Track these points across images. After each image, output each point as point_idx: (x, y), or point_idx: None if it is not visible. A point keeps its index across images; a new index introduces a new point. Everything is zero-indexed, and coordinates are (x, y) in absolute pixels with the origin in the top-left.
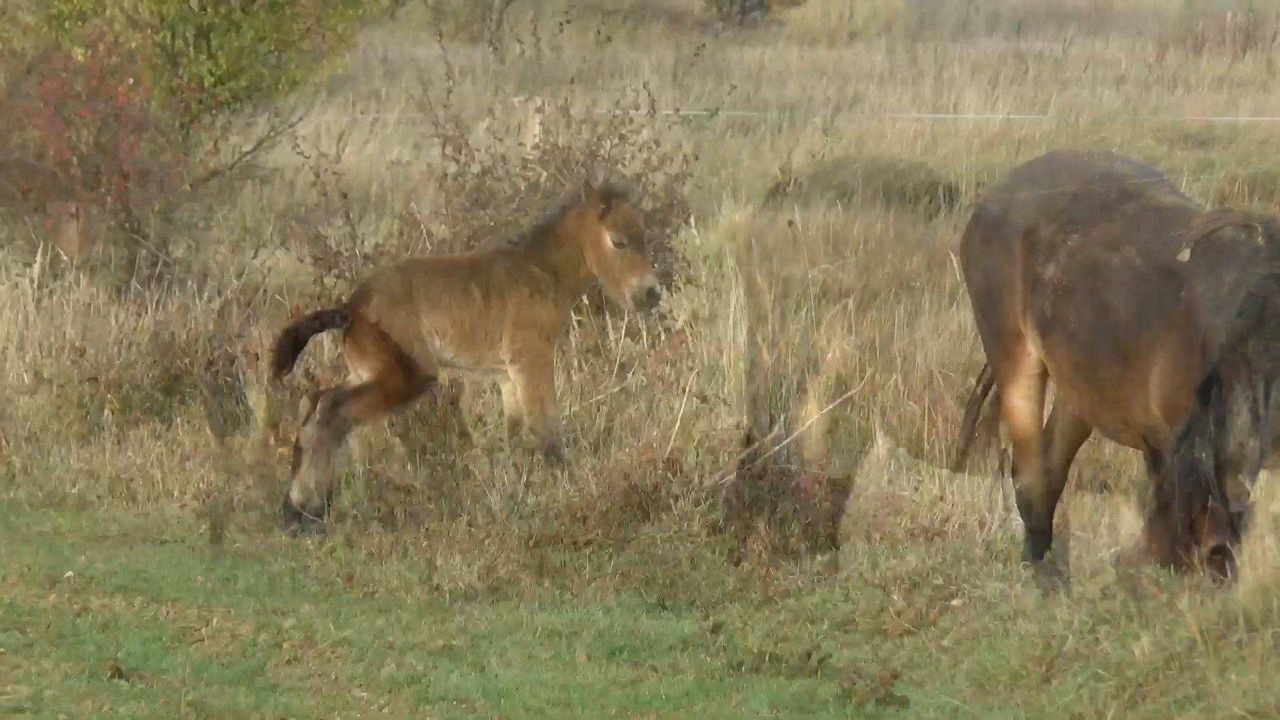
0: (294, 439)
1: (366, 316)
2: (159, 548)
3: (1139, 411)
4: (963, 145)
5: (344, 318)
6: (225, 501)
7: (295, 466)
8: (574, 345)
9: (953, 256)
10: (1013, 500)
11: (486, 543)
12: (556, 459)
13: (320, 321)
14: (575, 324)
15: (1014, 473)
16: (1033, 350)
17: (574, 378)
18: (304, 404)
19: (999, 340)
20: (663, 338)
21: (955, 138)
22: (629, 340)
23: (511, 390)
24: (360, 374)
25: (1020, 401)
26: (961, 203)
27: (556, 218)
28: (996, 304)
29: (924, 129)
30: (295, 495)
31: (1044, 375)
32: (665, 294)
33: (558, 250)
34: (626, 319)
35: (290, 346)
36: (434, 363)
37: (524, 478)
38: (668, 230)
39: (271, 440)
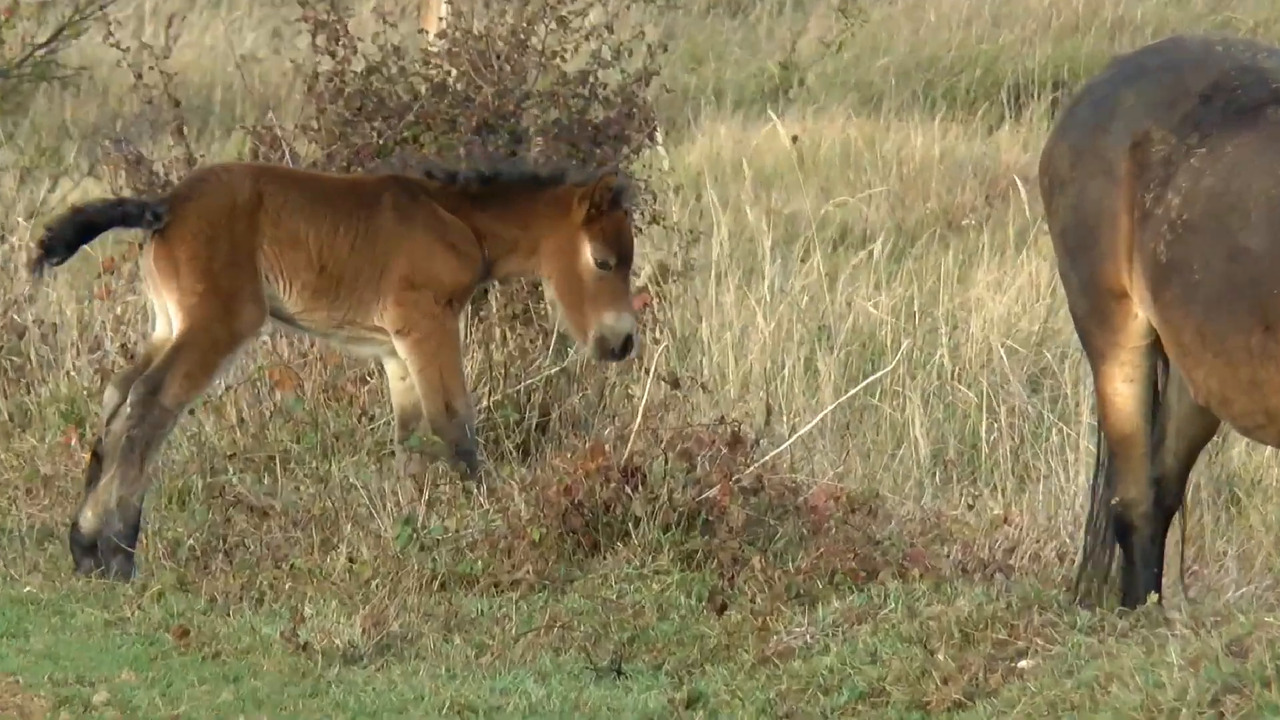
0: (94, 443)
1: (188, 221)
2: None
3: None
4: (1035, 29)
5: (157, 215)
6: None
7: (90, 480)
8: (493, 309)
9: (1020, 184)
10: (1104, 519)
11: (374, 584)
12: (469, 468)
13: (123, 211)
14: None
15: (1109, 482)
16: (1140, 312)
17: (494, 354)
18: (110, 393)
19: (1092, 298)
20: None
21: (1025, 19)
22: None
23: (400, 372)
24: (164, 307)
25: (1121, 385)
26: (1034, 110)
27: (527, 183)
28: (1089, 248)
29: (980, 7)
30: (88, 521)
31: (1155, 348)
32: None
33: (505, 222)
34: None
35: (72, 231)
36: (264, 310)
37: (425, 494)
38: (625, 150)
39: (74, 442)
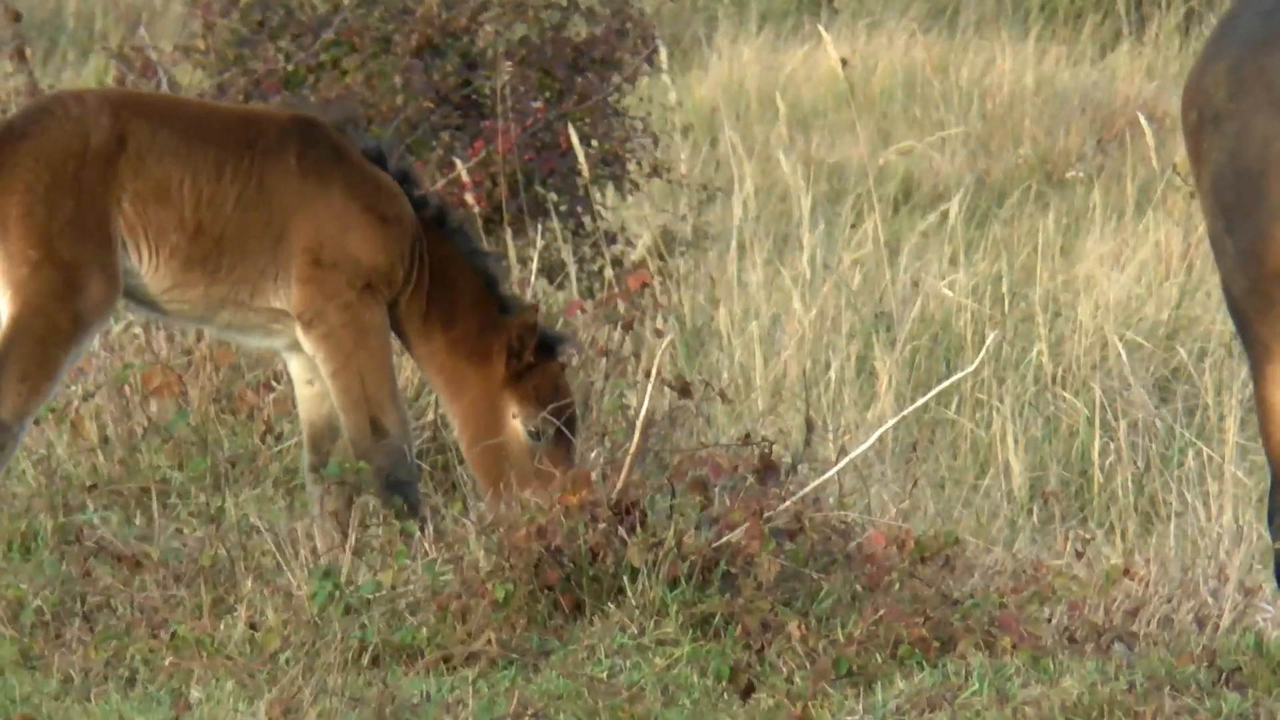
0: None
1: (20, 167)
2: None
3: None
4: None
5: None
6: None
7: None
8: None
9: (1145, 122)
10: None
11: (283, 659)
12: (406, 504)
13: None
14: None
15: (1271, 517)
16: None
17: None
18: None
19: (1254, 274)
20: (608, 275)
21: None
22: (546, 282)
23: (307, 374)
24: None
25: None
26: (1161, 24)
27: (481, 282)
28: (1253, 205)
29: None
30: None
31: None
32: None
33: (431, 318)
34: (540, 238)
35: None
36: (116, 286)
37: (349, 539)
38: (616, 77)
39: None
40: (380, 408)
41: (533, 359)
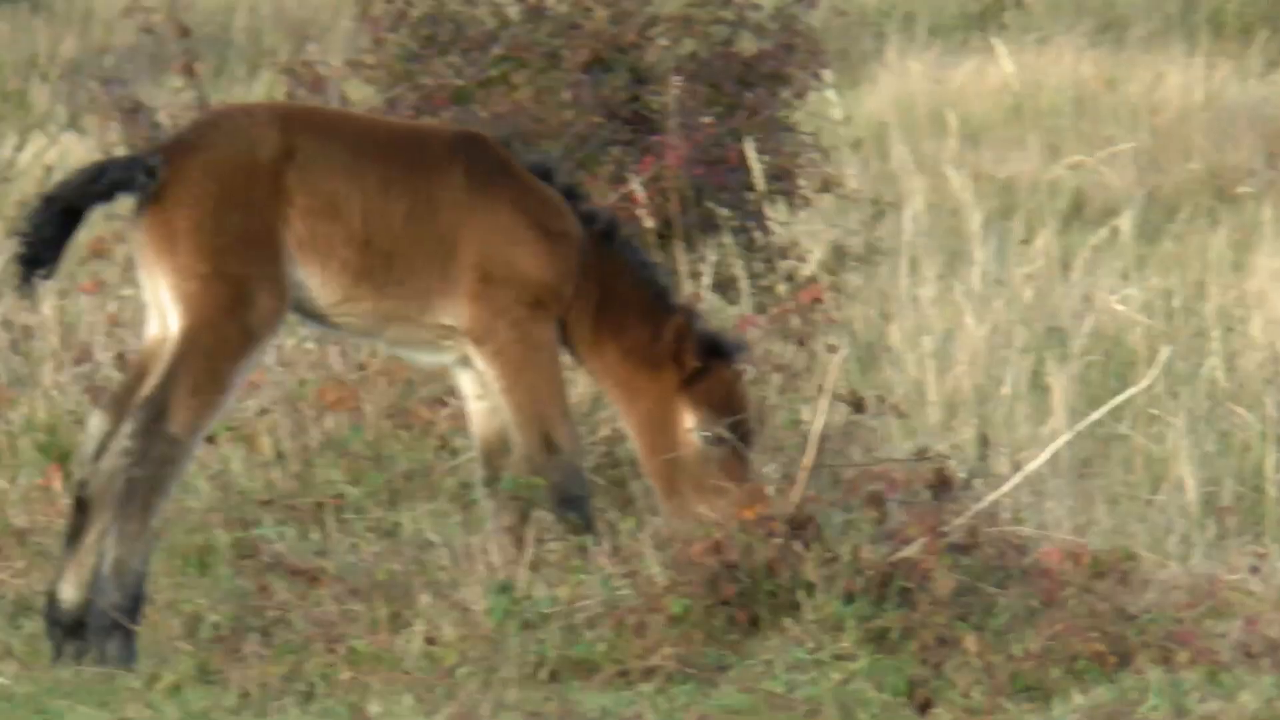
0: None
1: (190, 180)
2: None
3: None
4: None
5: (149, 171)
6: None
7: (73, 537)
8: None
9: None
10: None
11: (460, 673)
12: (580, 519)
13: (108, 179)
14: None
15: None
16: None
17: None
18: (96, 420)
19: None
20: (780, 291)
21: None
22: (717, 296)
23: (478, 390)
24: (157, 296)
25: None
26: None
27: (651, 294)
28: None
29: None
30: (69, 592)
31: None
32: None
33: (601, 330)
34: (715, 253)
35: (52, 226)
36: (285, 300)
37: (526, 554)
38: (784, 92)
39: (57, 485)
40: (552, 423)
41: (703, 364)
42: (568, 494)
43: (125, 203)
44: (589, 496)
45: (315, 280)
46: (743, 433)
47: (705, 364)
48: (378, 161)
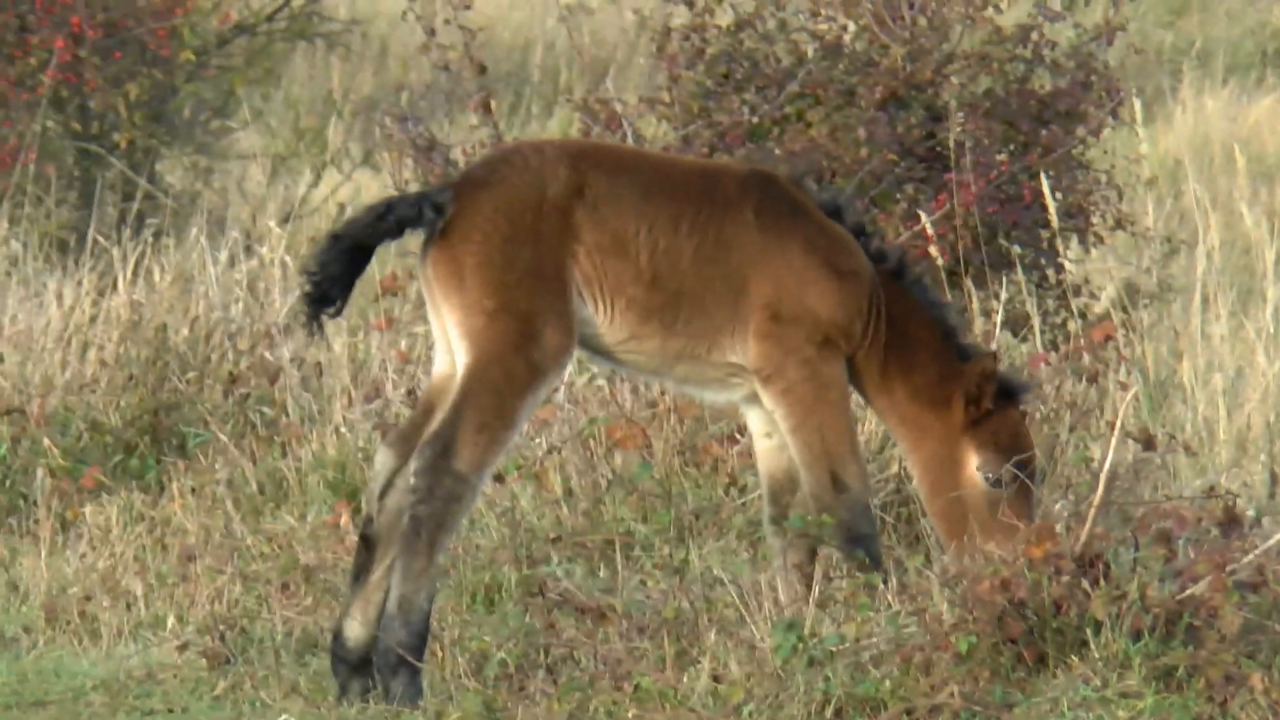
0: (362, 523)
1: (478, 215)
2: None
3: None
4: None
5: (438, 208)
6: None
7: (359, 574)
8: None
9: None
10: None
11: (747, 711)
12: (868, 557)
13: (396, 216)
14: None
15: None
16: None
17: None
18: (383, 457)
19: None
20: (1072, 328)
21: None
22: (1010, 335)
23: (766, 428)
24: (444, 332)
25: None
26: None
27: (939, 331)
28: None
29: None
30: (355, 629)
31: None
32: (1074, 269)
33: (888, 371)
34: (1003, 291)
35: (339, 264)
36: (572, 337)
37: (813, 591)
38: (1081, 130)
39: (345, 521)
40: (840, 462)
41: (992, 406)
42: (855, 532)
43: (417, 239)
44: (876, 535)
45: (603, 317)
46: (1028, 473)
47: (994, 405)
48: (668, 199)
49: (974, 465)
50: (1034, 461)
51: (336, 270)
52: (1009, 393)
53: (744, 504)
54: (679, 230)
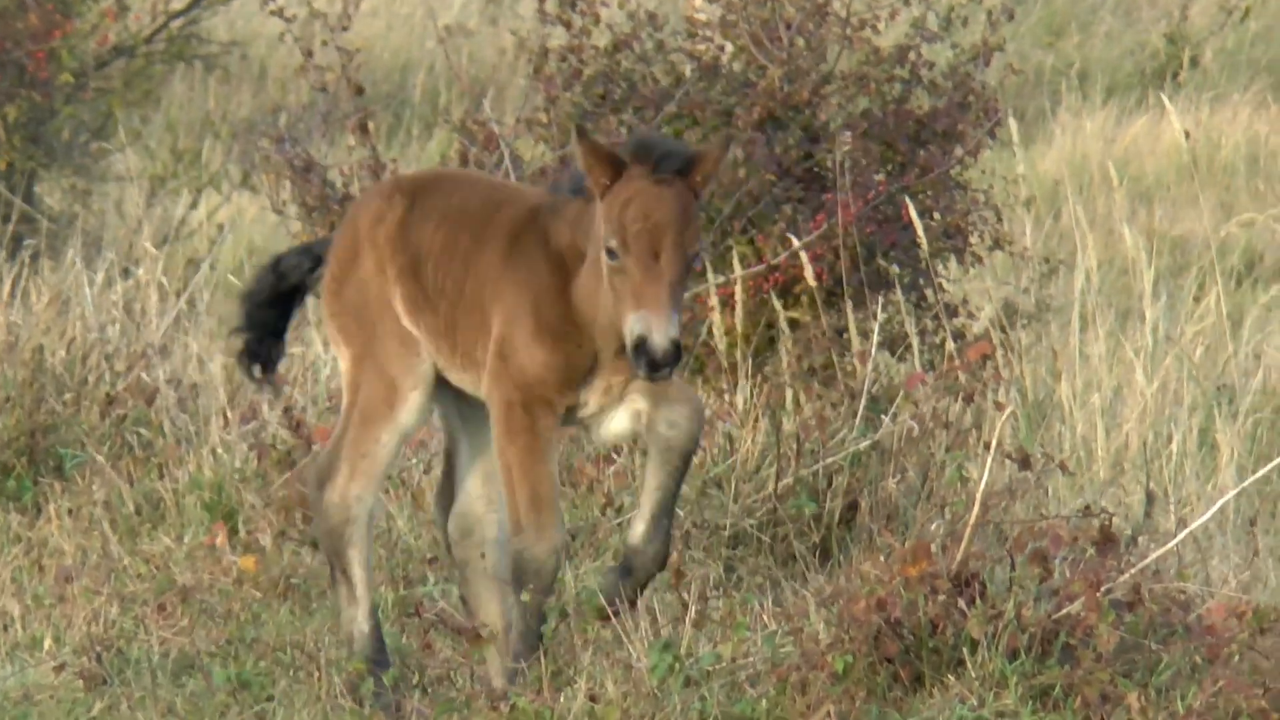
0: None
1: (330, 262)
2: None
3: None
4: None
5: (316, 260)
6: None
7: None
8: (784, 363)
9: None
10: None
11: None
12: (530, 599)
13: (281, 268)
14: (786, 325)
15: None
16: None
17: (784, 423)
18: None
19: None
20: (949, 348)
21: None
22: (886, 354)
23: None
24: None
25: None
26: None
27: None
28: None
29: None
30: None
31: None
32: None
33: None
34: (881, 311)
35: (258, 321)
36: (411, 359)
37: (690, 610)
38: (959, 150)
39: (220, 541)
40: (525, 507)
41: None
42: (518, 575)
43: None
44: (544, 589)
45: (423, 343)
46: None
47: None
48: (451, 225)
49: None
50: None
51: (259, 330)
52: (649, 158)
53: (620, 524)
54: (452, 253)
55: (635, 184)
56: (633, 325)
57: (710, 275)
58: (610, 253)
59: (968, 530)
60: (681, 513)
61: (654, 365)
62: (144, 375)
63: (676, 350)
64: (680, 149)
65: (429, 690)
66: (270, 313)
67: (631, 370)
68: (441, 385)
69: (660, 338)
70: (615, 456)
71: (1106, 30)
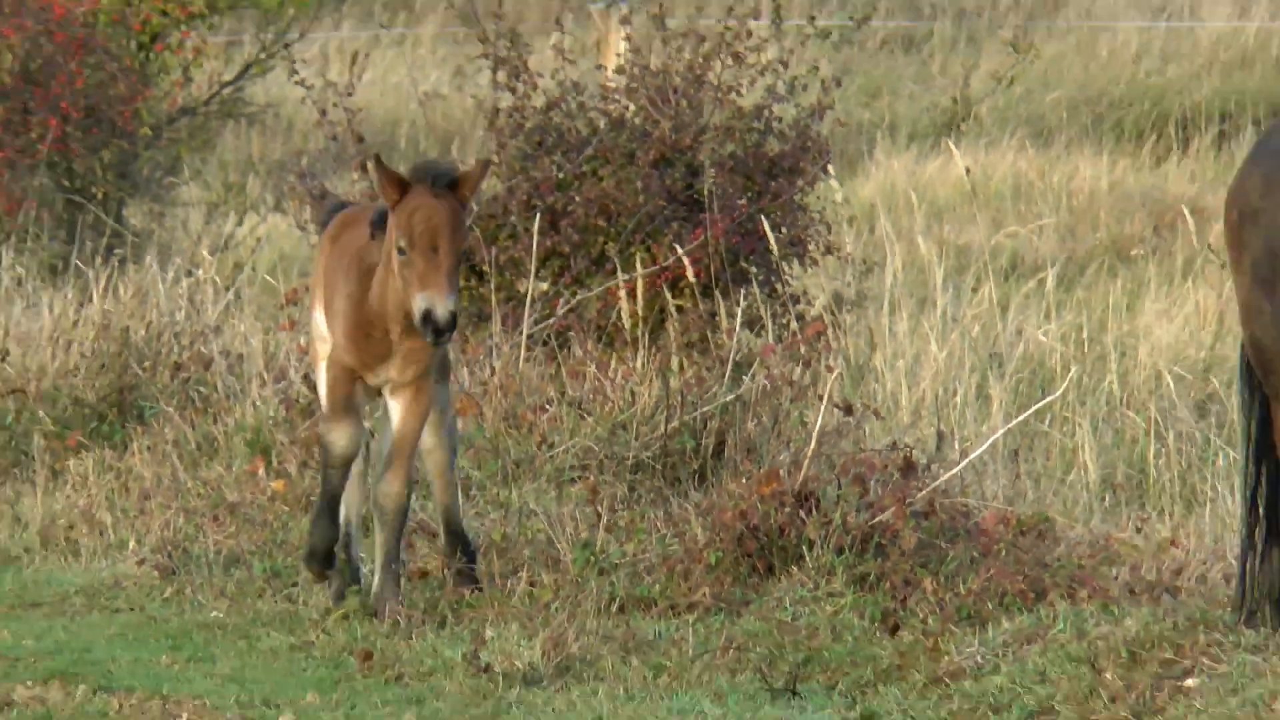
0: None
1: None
2: (109, 618)
3: None
4: (1203, 64)
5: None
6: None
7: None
8: (671, 337)
9: (1188, 215)
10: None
11: (554, 608)
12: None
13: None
14: (674, 310)
15: (1273, 501)
16: None
17: (671, 382)
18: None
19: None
20: (793, 327)
21: (1192, 55)
22: (747, 331)
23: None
24: None
25: None
26: (1200, 143)
27: None
28: None
29: (1150, 43)
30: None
31: None
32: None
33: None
34: (742, 300)
35: None
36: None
37: (603, 519)
38: (800, 182)
39: (260, 471)
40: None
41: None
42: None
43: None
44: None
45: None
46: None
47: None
48: (340, 229)
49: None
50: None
51: None
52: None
53: (551, 456)
54: (332, 262)
55: (417, 198)
56: (419, 303)
57: (619, 273)
58: (400, 250)
59: (806, 460)
60: (596, 447)
61: (438, 331)
62: (202, 348)
63: (453, 320)
64: (450, 169)
65: (410, 579)
66: None
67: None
68: None
69: (442, 309)
70: (547, 407)
71: (909, 93)
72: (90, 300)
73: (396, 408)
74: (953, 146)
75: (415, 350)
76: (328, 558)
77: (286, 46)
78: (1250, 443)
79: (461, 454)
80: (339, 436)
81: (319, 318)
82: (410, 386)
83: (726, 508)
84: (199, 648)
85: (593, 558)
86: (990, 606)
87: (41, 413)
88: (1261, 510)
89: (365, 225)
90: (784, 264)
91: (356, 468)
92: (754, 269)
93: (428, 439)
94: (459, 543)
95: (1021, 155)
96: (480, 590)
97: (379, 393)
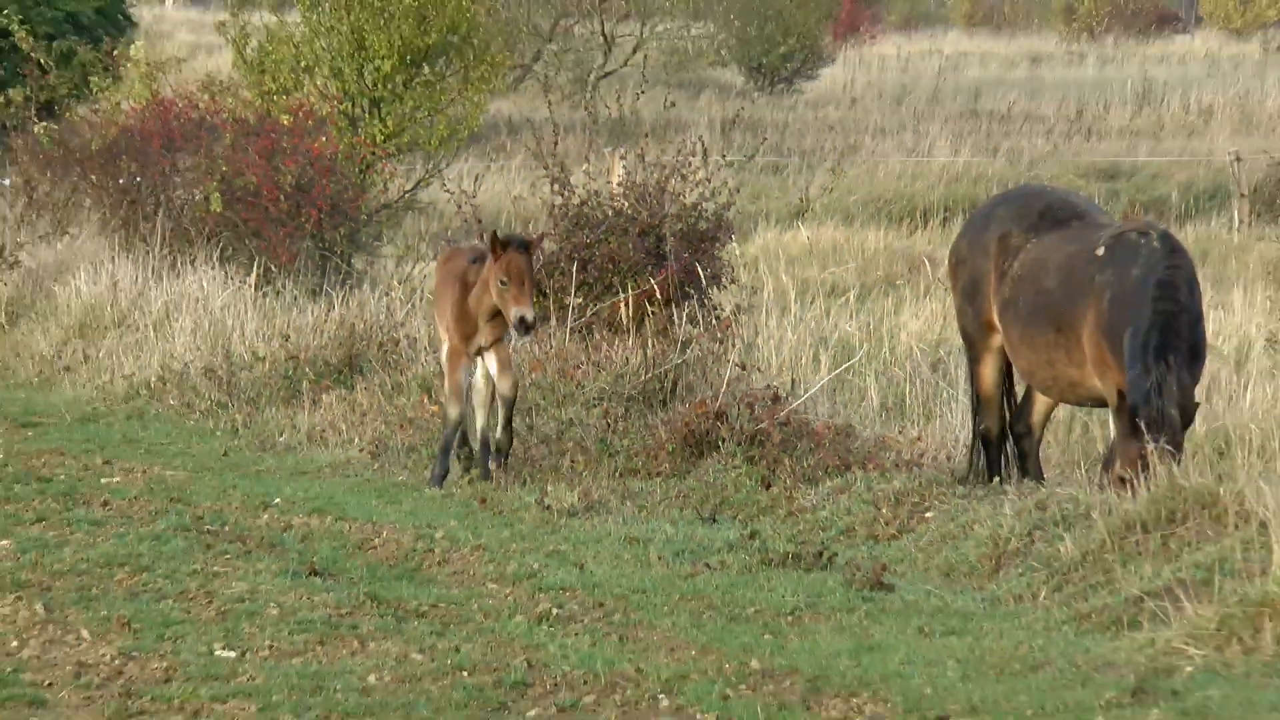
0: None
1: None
2: (343, 480)
3: (1065, 368)
4: (935, 180)
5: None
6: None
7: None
8: (648, 327)
9: (927, 263)
10: (976, 441)
11: (584, 474)
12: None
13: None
14: (650, 313)
15: (977, 417)
16: (998, 330)
17: (649, 352)
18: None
19: (976, 324)
20: (714, 323)
21: (929, 175)
22: (689, 325)
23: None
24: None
25: (987, 370)
26: (934, 223)
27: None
28: (976, 296)
29: (906, 168)
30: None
31: (1003, 350)
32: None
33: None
34: (688, 309)
35: None
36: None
37: (610, 426)
38: (717, 244)
39: (425, 400)
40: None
41: (503, 252)
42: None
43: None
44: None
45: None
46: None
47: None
48: (445, 259)
49: (497, 278)
50: (518, 273)
51: None
52: (506, 244)
53: (583, 391)
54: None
55: (511, 253)
56: (515, 312)
57: (620, 294)
58: (502, 282)
59: (720, 393)
60: (607, 387)
61: (527, 328)
62: (394, 334)
63: (535, 321)
64: (525, 239)
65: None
66: None
67: (513, 334)
68: None
69: (530, 315)
70: (581, 365)
71: (776, 196)
72: (333, 308)
73: (491, 357)
74: (801, 225)
75: (493, 328)
76: (443, 478)
77: (439, 170)
78: (971, 384)
79: (531, 390)
80: (454, 410)
81: (437, 318)
82: (493, 346)
83: (678, 421)
84: (391, 496)
85: (605, 447)
86: (821, 473)
87: (307, 369)
88: (974, 422)
89: (463, 258)
90: (710, 289)
91: (473, 403)
92: (693, 292)
93: (481, 382)
94: (486, 450)
95: (838, 230)
96: (489, 479)
97: (479, 355)
